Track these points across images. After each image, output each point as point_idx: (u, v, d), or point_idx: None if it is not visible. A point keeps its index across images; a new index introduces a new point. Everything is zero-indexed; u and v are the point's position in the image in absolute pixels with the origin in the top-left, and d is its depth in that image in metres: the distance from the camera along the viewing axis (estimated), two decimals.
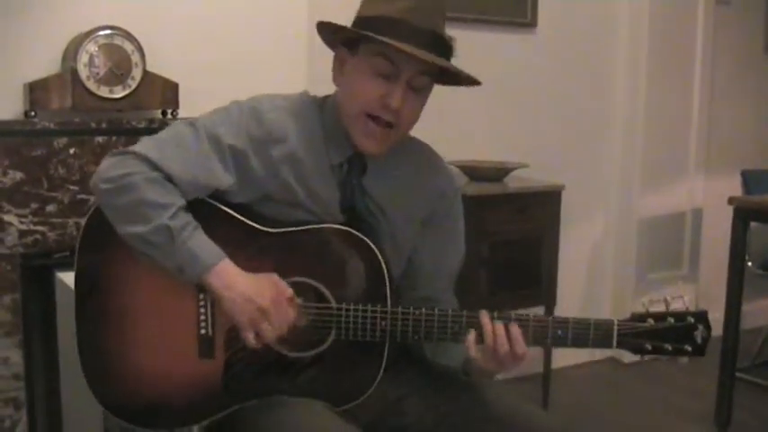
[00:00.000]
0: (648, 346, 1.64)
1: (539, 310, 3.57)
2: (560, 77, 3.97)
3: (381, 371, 1.70)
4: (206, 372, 1.70)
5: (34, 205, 2.43)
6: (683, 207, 4.39)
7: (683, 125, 4.33)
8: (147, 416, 1.75)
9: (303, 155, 1.71)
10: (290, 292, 1.64)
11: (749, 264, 3.76)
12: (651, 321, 1.64)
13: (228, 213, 1.70)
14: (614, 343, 1.64)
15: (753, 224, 3.44)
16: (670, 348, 1.64)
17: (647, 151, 4.20)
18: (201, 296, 1.68)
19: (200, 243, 1.63)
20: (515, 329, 1.61)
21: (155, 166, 1.64)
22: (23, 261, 2.45)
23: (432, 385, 1.80)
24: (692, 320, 1.63)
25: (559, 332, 1.65)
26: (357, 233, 1.69)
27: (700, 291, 4.48)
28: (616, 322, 1.64)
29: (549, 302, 3.57)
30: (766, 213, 3.35)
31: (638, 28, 4.13)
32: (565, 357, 4.08)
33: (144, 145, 1.69)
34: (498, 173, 3.47)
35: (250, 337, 1.63)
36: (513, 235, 3.39)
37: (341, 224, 1.71)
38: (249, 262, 1.66)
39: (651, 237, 4.28)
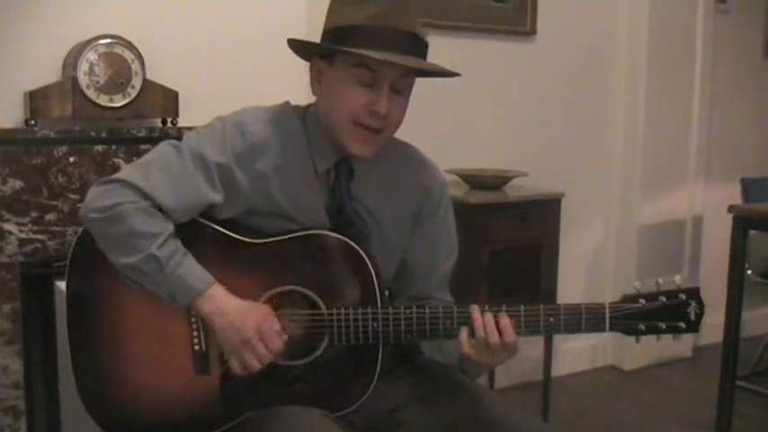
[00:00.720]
0: (642, 327, 1.64)
1: None
2: (560, 85, 3.97)
3: (377, 375, 1.70)
4: (202, 387, 1.70)
5: (34, 214, 2.43)
6: (682, 214, 4.39)
7: (683, 132, 4.33)
8: None
9: (287, 165, 1.71)
10: (277, 325, 1.64)
11: (749, 272, 3.76)
12: (643, 302, 1.64)
13: (214, 229, 1.71)
14: (607, 326, 1.64)
15: (752, 232, 3.44)
16: (664, 327, 1.63)
17: (646, 158, 4.20)
18: (193, 312, 1.68)
19: (190, 270, 1.64)
20: (504, 320, 1.63)
21: (143, 195, 1.65)
22: (23, 270, 2.45)
23: (430, 393, 1.80)
24: (684, 297, 1.63)
25: (551, 319, 1.66)
26: (341, 236, 1.70)
27: None
28: (607, 305, 1.65)
29: None
30: (766, 221, 3.35)
31: (637, 35, 4.13)
32: (565, 365, 4.07)
33: (130, 172, 1.69)
34: (498, 181, 3.47)
35: (235, 366, 1.65)
36: (513, 243, 3.39)
37: (325, 229, 1.72)
38: (237, 275, 1.67)
39: (651, 244, 4.28)
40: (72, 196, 2.47)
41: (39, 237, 2.45)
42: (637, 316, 1.64)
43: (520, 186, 3.55)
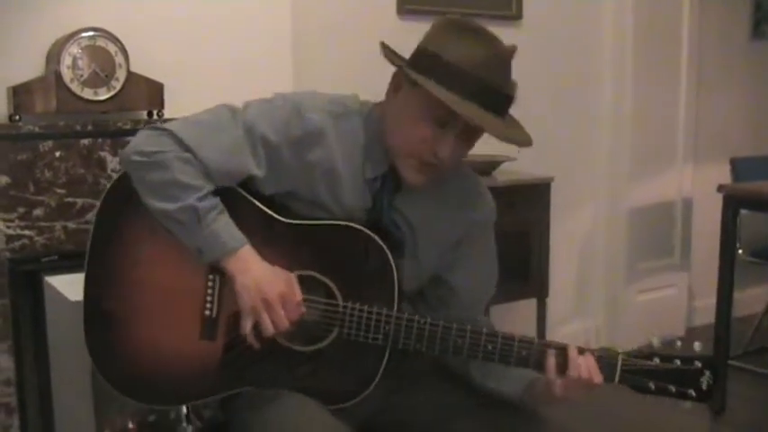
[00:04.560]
0: (651, 386, 1.60)
1: (530, 303, 3.57)
2: (547, 69, 3.96)
3: (378, 376, 1.69)
4: (204, 353, 1.71)
5: (21, 209, 2.42)
6: (672, 196, 4.40)
7: (671, 114, 4.33)
8: (139, 388, 1.76)
9: (339, 163, 1.69)
10: (300, 296, 1.65)
11: (740, 251, 3.77)
12: (657, 360, 1.60)
13: (249, 200, 1.71)
14: (617, 378, 1.62)
15: (743, 212, 3.44)
16: (673, 391, 1.60)
17: (635, 141, 4.20)
18: (211, 277, 1.69)
19: (225, 226, 1.64)
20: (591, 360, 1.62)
21: (186, 148, 1.65)
22: (11, 266, 2.43)
23: (427, 379, 1.81)
24: (699, 365, 1.59)
25: (561, 359, 1.63)
26: (372, 234, 1.68)
27: (691, 279, 4.48)
28: (621, 357, 1.62)
29: (541, 295, 3.56)
30: (756, 201, 3.36)
31: (623, 18, 4.12)
32: None
33: (182, 125, 1.69)
34: (487, 166, 3.46)
35: (248, 326, 1.64)
36: (502, 228, 3.34)
37: (359, 225, 1.70)
38: (262, 249, 1.67)
39: (642, 227, 4.29)
40: (59, 191, 2.46)
41: (26, 232, 2.43)
42: (648, 374, 1.60)
43: (508, 171, 3.54)
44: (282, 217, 1.70)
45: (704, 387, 1.59)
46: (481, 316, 1.88)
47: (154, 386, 1.75)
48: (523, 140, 1.65)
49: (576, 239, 4.27)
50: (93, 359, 1.75)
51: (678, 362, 1.59)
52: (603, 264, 4.34)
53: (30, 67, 2.50)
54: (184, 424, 1.92)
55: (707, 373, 1.59)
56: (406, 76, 1.62)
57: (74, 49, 2.48)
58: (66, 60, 2.47)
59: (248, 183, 1.71)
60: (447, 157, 1.63)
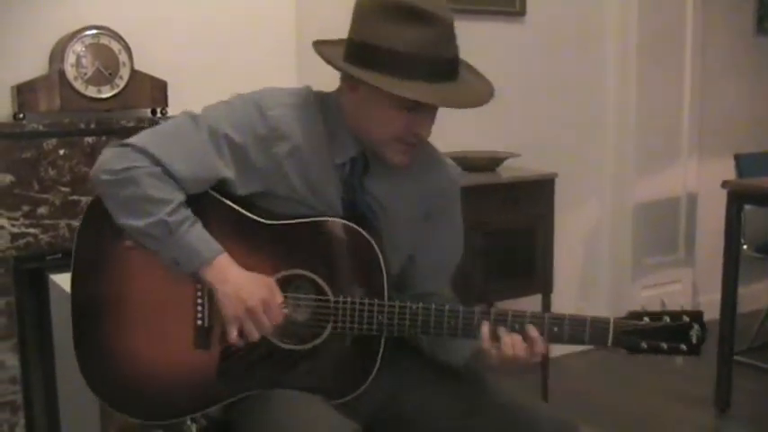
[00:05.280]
0: (644, 345, 1.65)
1: (535, 299, 3.57)
2: (551, 65, 3.96)
3: (377, 365, 1.70)
4: (200, 363, 1.70)
5: (25, 208, 2.43)
6: (677, 192, 4.39)
7: (676, 110, 4.33)
8: (137, 405, 1.75)
9: (307, 153, 1.70)
10: (281, 298, 1.65)
11: (744, 247, 3.76)
12: (647, 320, 1.65)
13: (228, 205, 1.70)
14: (610, 341, 1.65)
15: (747, 207, 3.44)
16: (665, 347, 1.65)
17: (640, 137, 4.20)
18: (200, 286, 1.69)
19: (199, 237, 1.64)
20: (533, 332, 1.65)
21: (156, 161, 1.64)
22: (16, 264, 2.44)
23: (431, 375, 1.81)
24: (688, 320, 1.64)
25: (555, 329, 1.66)
26: (355, 226, 1.69)
27: (696, 275, 4.48)
28: (612, 320, 1.65)
29: (546, 291, 3.56)
30: (760, 196, 3.36)
31: (627, 13, 4.12)
32: (562, 345, 4.05)
33: (144, 138, 1.68)
34: (490, 163, 3.46)
35: (233, 334, 1.64)
36: (507, 224, 3.38)
37: (340, 218, 1.71)
38: (248, 254, 1.67)
39: (646, 222, 4.28)
40: (63, 189, 2.46)
41: (31, 231, 2.44)
42: (640, 334, 1.65)
43: (512, 168, 3.54)
44: (264, 219, 1.70)
45: (694, 340, 1.64)
46: (444, 289, 1.90)
47: (156, 402, 1.74)
48: (489, 93, 1.69)
49: (581, 235, 4.26)
50: (91, 386, 1.74)
51: (667, 318, 1.65)
52: (608, 260, 4.34)
53: (33, 66, 2.51)
54: (189, 423, 1.91)
55: (695, 326, 1.64)
56: (360, 81, 1.62)
57: (77, 47, 2.49)
58: (70, 59, 2.48)
59: (223, 188, 1.70)
60: (427, 134, 1.69)
